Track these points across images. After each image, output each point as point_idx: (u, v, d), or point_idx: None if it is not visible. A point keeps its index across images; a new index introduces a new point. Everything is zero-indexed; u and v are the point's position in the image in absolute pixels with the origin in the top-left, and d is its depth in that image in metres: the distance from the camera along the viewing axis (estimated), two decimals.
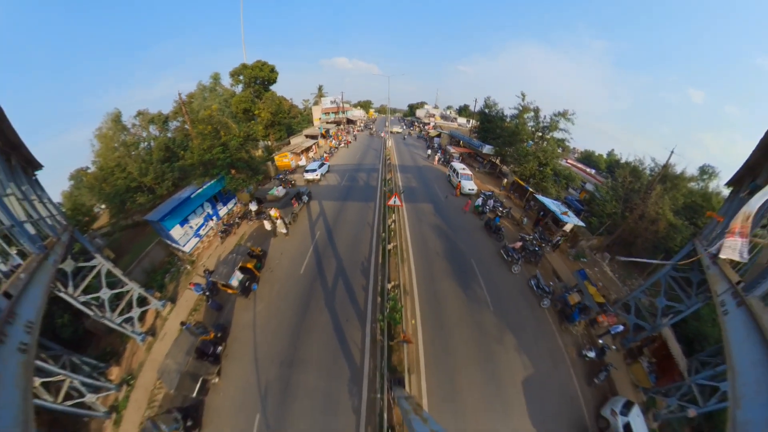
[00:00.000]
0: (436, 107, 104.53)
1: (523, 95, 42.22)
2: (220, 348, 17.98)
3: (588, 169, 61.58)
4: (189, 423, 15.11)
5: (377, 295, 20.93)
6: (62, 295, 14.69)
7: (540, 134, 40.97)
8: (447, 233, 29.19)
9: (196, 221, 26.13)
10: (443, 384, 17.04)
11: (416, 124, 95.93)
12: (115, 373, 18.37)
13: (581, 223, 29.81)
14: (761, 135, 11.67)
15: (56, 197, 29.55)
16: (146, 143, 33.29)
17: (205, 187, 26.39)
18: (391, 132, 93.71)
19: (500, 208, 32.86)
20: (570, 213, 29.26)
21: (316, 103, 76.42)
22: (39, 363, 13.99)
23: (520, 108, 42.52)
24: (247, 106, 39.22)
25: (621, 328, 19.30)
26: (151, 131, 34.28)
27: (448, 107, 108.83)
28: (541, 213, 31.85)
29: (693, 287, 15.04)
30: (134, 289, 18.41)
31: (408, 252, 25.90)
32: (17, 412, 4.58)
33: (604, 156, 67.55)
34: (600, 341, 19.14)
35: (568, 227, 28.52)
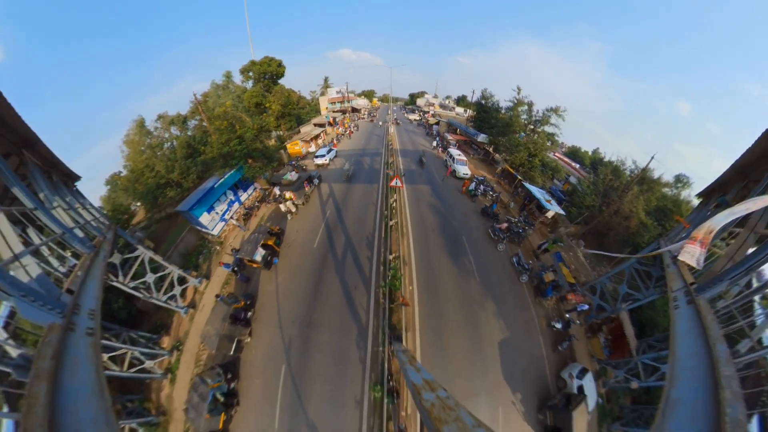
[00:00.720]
0: (435, 96, 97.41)
1: (519, 89, 40.43)
2: (249, 313, 18.85)
3: (573, 164, 59.20)
4: (229, 376, 16.23)
5: (380, 265, 21.34)
6: (115, 283, 15.15)
7: (532, 127, 39.57)
8: (442, 212, 29.01)
9: (220, 207, 26.13)
10: (434, 341, 17.77)
11: (416, 111, 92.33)
12: (166, 341, 19.43)
13: (562, 212, 29.60)
14: (737, 156, 11.28)
15: (97, 202, 28.80)
16: (169, 143, 32.47)
17: (226, 177, 26.24)
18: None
19: (491, 192, 32.43)
20: (553, 201, 29.03)
21: (322, 94, 72.67)
22: (104, 342, 14.73)
23: (515, 101, 40.82)
24: (259, 100, 37.93)
25: (586, 306, 19.57)
26: (172, 132, 33.36)
27: (447, 97, 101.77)
28: (527, 199, 31.36)
29: (652, 281, 15.08)
30: (174, 271, 18.86)
31: (407, 228, 26.00)
32: (93, 383, 4.91)
33: (590, 153, 64.29)
34: (567, 316, 19.59)
35: (550, 214, 28.37)
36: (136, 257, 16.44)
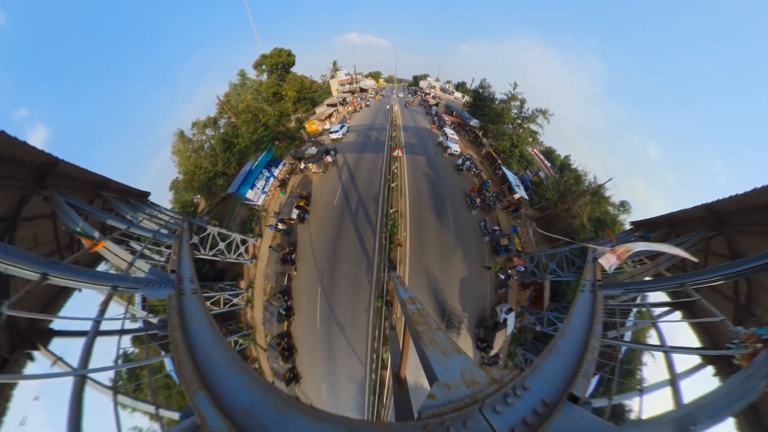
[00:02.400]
0: (437, 80, 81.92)
1: (515, 85, 35.60)
2: (293, 255, 20.79)
3: (546, 161, 52.18)
4: (286, 298, 18.96)
5: (383, 217, 22.24)
6: (199, 256, 16.19)
7: (519, 122, 35.79)
8: (433, 179, 28.58)
9: (260, 183, 26.10)
10: (417, 271, 19.68)
11: (418, 93, 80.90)
12: (243, 284, 21.60)
13: (526, 197, 28.97)
14: (674, 209, 10.88)
15: (168, 205, 28.29)
16: (208, 143, 30.73)
17: (259, 159, 25.69)
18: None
19: (474, 169, 31.21)
20: (521, 187, 28.38)
21: (332, 77, 62.12)
22: (205, 294, 16.43)
23: (509, 95, 36.26)
24: (275, 90, 34.49)
25: (523, 269, 20.44)
26: (207, 133, 31.43)
27: (448, 82, 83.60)
28: (503, 181, 30.39)
29: (574, 267, 15.55)
30: (236, 237, 19.59)
31: (405, 189, 26.21)
32: (206, 321, 5.55)
33: (561, 157, 56.64)
34: (509, 271, 20.74)
35: (516, 196, 27.78)
36: (209, 234, 17.04)
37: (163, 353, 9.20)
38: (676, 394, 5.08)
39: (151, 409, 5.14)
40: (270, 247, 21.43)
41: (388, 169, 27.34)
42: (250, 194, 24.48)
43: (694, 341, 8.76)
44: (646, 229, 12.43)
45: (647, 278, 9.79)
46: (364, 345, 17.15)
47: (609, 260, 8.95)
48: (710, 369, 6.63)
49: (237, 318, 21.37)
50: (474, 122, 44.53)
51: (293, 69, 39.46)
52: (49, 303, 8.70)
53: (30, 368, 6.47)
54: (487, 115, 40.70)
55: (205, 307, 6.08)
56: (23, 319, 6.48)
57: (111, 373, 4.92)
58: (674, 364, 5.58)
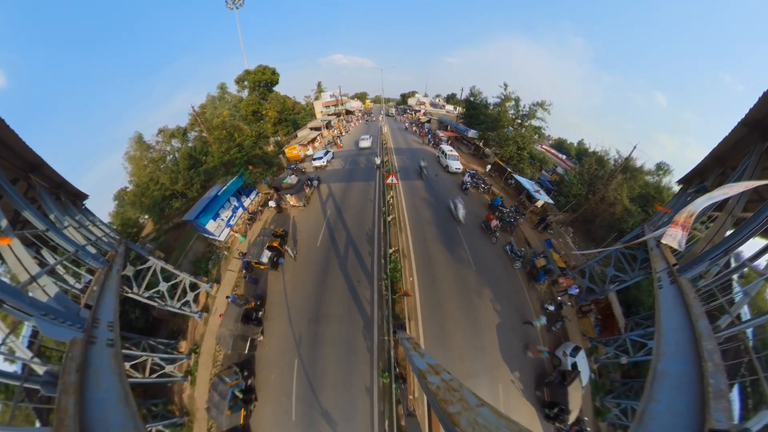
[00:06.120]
0: (426, 96, 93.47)
1: (506, 85, 39.93)
2: (260, 312, 19.03)
3: (560, 155, 57.80)
4: (246, 373, 16.52)
5: (381, 259, 21.27)
6: (130, 295, 15.08)
7: (519, 121, 39.24)
8: (436, 206, 28.59)
9: (225, 214, 26.07)
10: (435, 327, 17.90)
11: (408, 111, 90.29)
12: (184, 346, 19.51)
13: (551, 201, 29.66)
14: (714, 143, 11.32)
15: (106, 218, 28.07)
16: (171, 155, 31.67)
17: (228, 184, 26.01)
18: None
19: (482, 185, 32.39)
20: (542, 191, 28.97)
21: (317, 98, 69.37)
22: (125, 351, 14.65)
23: (503, 97, 40.40)
24: (255, 108, 37.21)
25: (576, 289, 19.65)
26: (173, 144, 32.49)
27: (437, 96, 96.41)
28: (519, 191, 31.48)
29: (637, 263, 15.16)
30: (185, 278, 18.81)
31: (405, 222, 25.78)
32: (118, 391, 4.93)
33: (575, 144, 62.63)
34: (559, 298, 19.64)
35: (539, 203, 28.33)
36: (149, 268, 16.39)
37: (38, 424, 8.02)
38: None
39: None
40: (228, 297, 19.74)
41: (383, 199, 27.27)
42: (211, 225, 24.04)
43: None
44: (699, 180, 12.53)
45: (729, 232, 9.34)
46: None
47: (675, 235, 8.66)
48: None
49: (168, 395, 18.47)
50: (472, 133, 47.76)
51: (276, 88, 42.88)
52: None
53: None
54: (483, 122, 43.93)
55: (122, 369, 5.64)
56: None
57: None
58: None
